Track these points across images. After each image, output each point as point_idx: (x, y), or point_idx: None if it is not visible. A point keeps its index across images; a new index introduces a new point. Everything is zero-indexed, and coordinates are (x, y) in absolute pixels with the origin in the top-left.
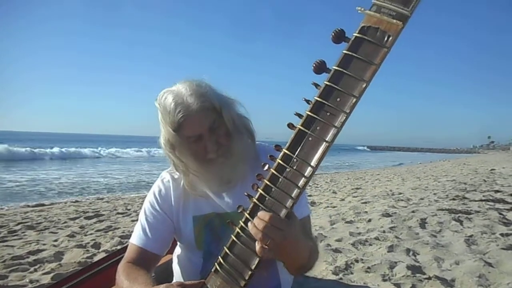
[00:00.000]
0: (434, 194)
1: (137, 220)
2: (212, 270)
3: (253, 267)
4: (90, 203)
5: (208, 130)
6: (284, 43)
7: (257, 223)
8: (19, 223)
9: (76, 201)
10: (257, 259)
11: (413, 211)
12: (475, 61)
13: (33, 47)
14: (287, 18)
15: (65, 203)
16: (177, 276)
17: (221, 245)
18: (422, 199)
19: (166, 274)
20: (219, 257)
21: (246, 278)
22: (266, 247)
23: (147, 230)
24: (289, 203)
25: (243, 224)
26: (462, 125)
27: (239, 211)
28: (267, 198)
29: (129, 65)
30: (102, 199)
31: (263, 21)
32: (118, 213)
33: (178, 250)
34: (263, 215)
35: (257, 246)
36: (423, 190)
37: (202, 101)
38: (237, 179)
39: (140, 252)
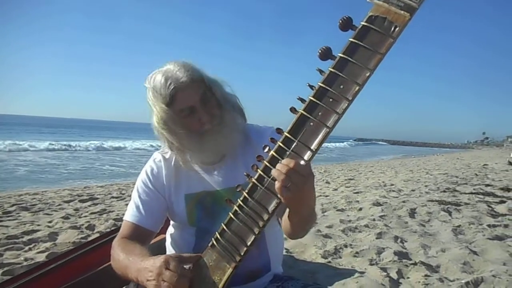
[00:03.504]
0: (426, 186)
1: None
2: (209, 245)
3: (249, 243)
4: (85, 187)
5: (200, 101)
6: (285, 41)
7: (281, 167)
8: (13, 205)
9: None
10: (253, 236)
11: (403, 201)
12: (475, 59)
13: (35, 41)
14: (288, 15)
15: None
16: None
17: (213, 221)
18: (413, 190)
19: (158, 252)
20: (216, 232)
21: (242, 253)
22: (287, 189)
23: (141, 208)
24: None
25: (241, 203)
26: (458, 121)
27: (238, 190)
28: (265, 179)
29: (128, 57)
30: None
31: (263, 22)
32: (113, 197)
33: (171, 229)
34: (288, 161)
35: (278, 185)
36: (415, 182)
37: (191, 74)
38: (229, 152)
39: (134, 228)
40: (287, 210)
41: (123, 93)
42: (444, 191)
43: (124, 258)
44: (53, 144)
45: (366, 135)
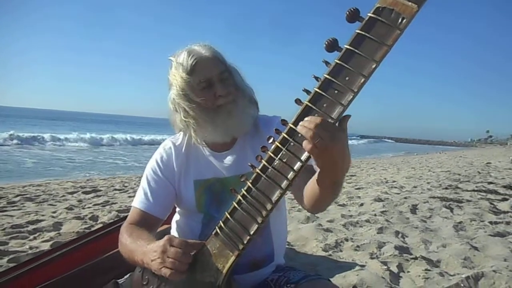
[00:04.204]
0: (428, 183)
1: (134, 196)
2: (213, 233)
3: (252, 232)
4: (88, 180)
5: (218, 77)
6: (288, 39)
7: (308, 124)
8: (17, 195)
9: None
10: (256, 225)
11: (405, 198)
12: (478, 60)
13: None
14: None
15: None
16: None
17: (221, 208)
18: (415, 187)
19: None
20: (220, 221)
21: (245, 242)
22: (316, 146)
23: (149, 195)
24: (290, 175)
25: (245, 192)
26: (461, 119)
27: (242, 180)
28: (269, 170)
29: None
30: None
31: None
32: (115, 190)
33: (177, 216)
34: (313, 118)
35: (307, 144)
36: (417, 179)
37: (214, 52)
38: (239, 136)
39: (142, 215)
40: (314, 176)
41: (123, 87)
42: (446, 188)
43: (131, 242)
44: (82, 137)
45: (370, 132)
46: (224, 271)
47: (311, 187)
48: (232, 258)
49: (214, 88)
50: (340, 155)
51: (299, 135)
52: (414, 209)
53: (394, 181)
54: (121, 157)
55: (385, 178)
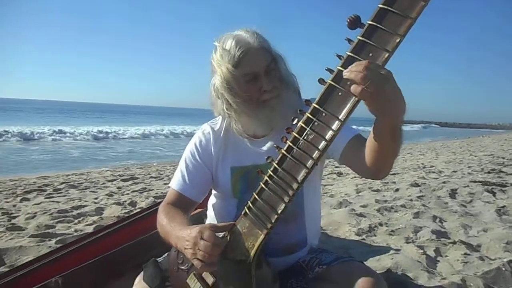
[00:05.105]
0: (469, 167)
1: (169, 184)
2: (242, 213)
3: (279, 211)
4: (125, 168)
5: (265, 70)
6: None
7: (356, 68)
8: (62, 183)
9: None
10: (284, 204)
11: (444, 182)
12: None
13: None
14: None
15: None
16: (211, 222)
17: None
18: (455, 171)
19: (196, 224)
20: (248, 201)
21: (273, 221)
22: (366, 89)
23: (186, 178)
24: (315, 154)
25: (271, 173)
26: (506, 98)
27: (268, 161)
28: (294, 150)
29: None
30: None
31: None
32: (152, 177)
33: (213, 198)
34: (360, 61)
35: (358, 88)
36: (457, 164)
37: (261, 42)
38: (281, 128)
39: (178, 196)
40: (371, 132)
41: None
42: (489, 172)
43: (167, 223)
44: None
45: (416, 117)
46: (254, 249)
47: (370, 144)
48: (261, 237)
49: (260, 82)
50: (394, 94)
51: (324, 114)
52: (453, 194)
53: (432, 166)
54: (159, 147)
55: (422, 163)
